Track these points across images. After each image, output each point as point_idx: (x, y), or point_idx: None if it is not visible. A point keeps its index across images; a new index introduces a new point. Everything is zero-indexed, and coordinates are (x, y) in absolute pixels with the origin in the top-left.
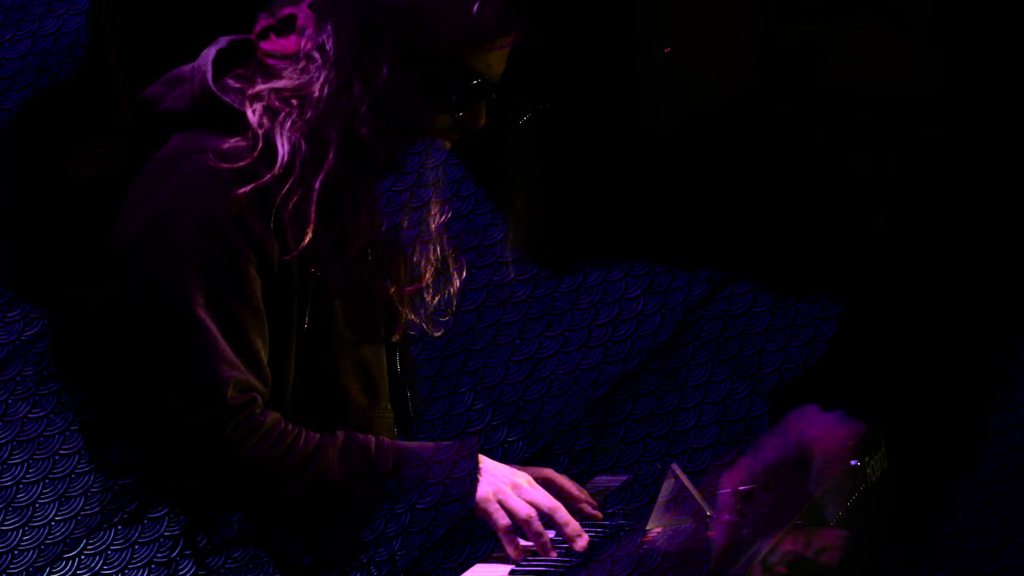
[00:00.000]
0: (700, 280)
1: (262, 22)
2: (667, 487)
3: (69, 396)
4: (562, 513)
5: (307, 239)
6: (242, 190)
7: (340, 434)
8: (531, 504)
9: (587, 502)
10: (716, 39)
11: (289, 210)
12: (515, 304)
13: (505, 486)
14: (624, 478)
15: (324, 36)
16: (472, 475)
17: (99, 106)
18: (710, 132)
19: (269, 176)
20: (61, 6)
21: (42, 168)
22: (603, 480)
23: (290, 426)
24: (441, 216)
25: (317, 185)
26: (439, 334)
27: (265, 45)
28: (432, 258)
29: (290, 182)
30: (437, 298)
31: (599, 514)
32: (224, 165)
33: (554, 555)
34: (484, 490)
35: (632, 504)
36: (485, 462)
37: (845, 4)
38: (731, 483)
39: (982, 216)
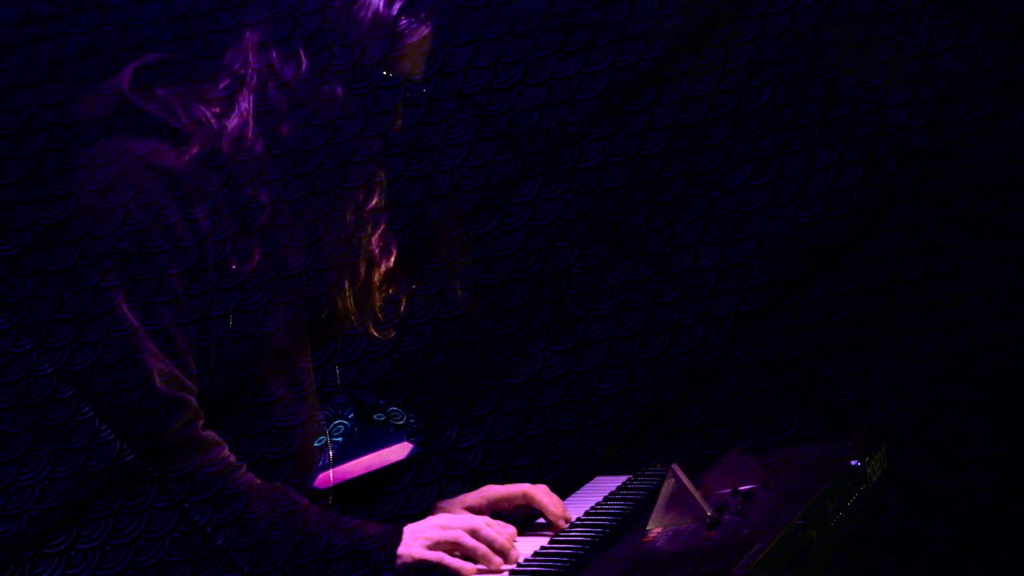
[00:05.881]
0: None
1: None
2: (667, 487)
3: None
4: (487, 530)
5: (225, 234)
6: (158, 185)
7: (278, 487)
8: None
9: (562, 518)
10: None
11: (207, 205)
12: (515, 309)
13: (426, 530)
14: (624, 477)
15: (246, 45)
16: (391, 541)
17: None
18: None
19: (187, 171)
20: None
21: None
22: (604, 481)
23: (232, 456)
24: (377, 220)
25: (237, 182)
26: (378, 336)
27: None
28: (367, 254)
29: (210, 179)
30: (380, 298)
31: (565, 526)
32: (143, 163)
33: (497, 561)
34: (407, 543)
35: (632, 504)
36: (406, 525)
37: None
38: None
39: (981, 215)
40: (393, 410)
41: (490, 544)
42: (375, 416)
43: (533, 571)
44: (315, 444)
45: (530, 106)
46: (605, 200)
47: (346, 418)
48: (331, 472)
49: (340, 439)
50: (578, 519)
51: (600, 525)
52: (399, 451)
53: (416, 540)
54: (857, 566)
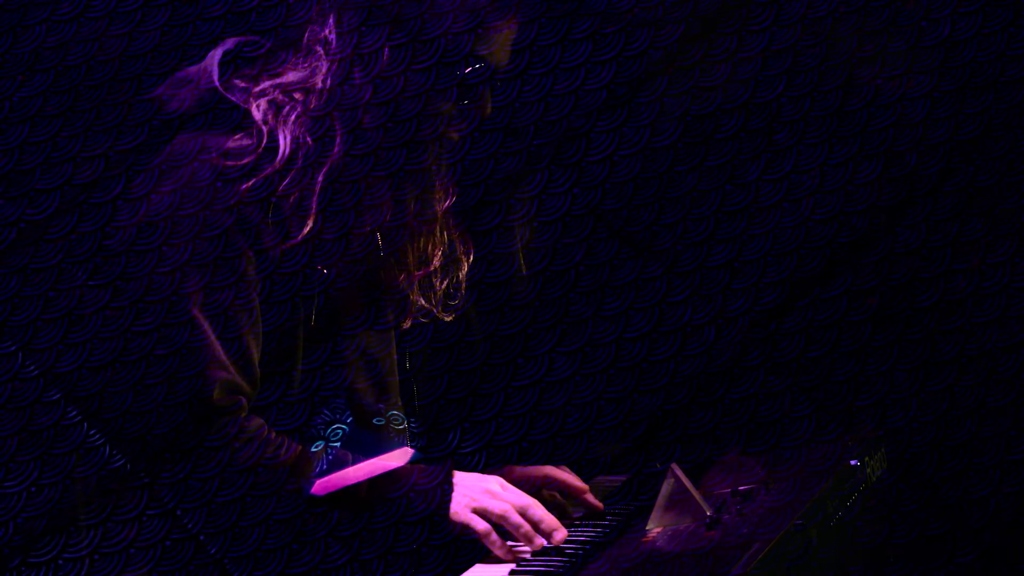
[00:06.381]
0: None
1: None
2: (667, 487)
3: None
4: (535, 509)
5: (309, 233)
6: (243, 187)
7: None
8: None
9: (590, 493)
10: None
11: (291, 204)
12: (519, 309)
13: (478, 493)
14: (624, 477)
15: (327, 29)
16: (444, 494)
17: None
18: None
19: (271, 171)
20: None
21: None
22: (602, 480)
23: (273, 435)
24: (446, 200)
25: (320, 178)
26: (449, 318)
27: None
28: (439, 241)
29: (291, 176)
30: (446, 282)
31: (600, 505)
32: (227, 163)
33: (539, 542)
34: (458, 502)
35: (632, 504)
36: (457, 476)
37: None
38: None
39: (1006, 211)
40: (393, 414)
41: (536, 524)
42: (374, 420)
43: (533, 571)
44: (312, 449)
45: (535, 97)
46: (613, 195)
47: (344, 422)
48: (329, 478)
49: (338, 444)
50: (578, 519)
51: (599, 525)
52: (399, 457)
53: (466, 501)
54: (856, 566)
